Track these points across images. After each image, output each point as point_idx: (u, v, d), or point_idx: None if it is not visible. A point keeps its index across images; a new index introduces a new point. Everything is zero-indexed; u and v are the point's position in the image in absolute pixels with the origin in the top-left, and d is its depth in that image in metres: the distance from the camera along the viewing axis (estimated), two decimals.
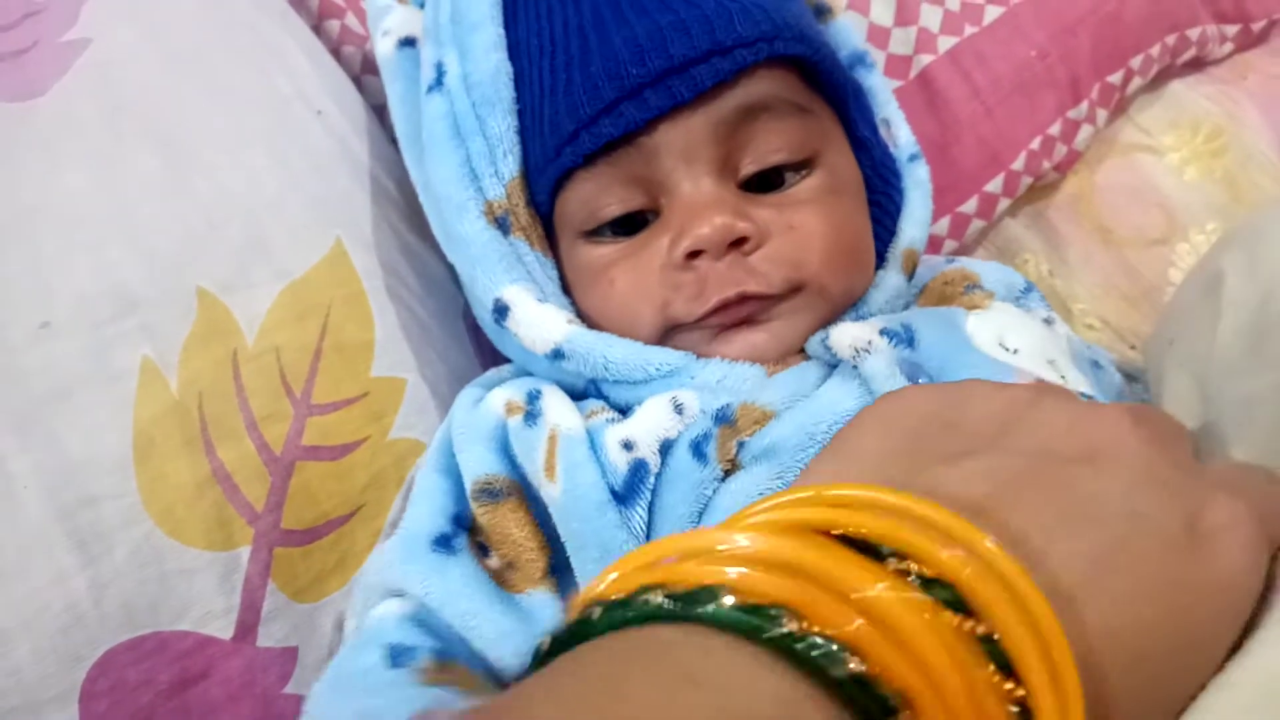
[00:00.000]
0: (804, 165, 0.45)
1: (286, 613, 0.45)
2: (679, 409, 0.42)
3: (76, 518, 0.41)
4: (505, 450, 0.44)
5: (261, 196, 0.50)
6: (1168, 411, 0.39)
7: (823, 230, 0.44)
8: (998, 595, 0.20)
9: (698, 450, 0.40)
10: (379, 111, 0.59)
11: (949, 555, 0.21)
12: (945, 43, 0.67)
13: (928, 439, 0.27)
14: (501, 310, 0.46)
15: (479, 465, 0.44)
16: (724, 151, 0.44)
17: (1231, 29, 0.72)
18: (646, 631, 0.20)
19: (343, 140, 0.56)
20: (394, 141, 0.53)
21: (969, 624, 0.20)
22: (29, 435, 0.42)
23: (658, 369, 0.44)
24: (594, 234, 0.46)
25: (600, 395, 0.46)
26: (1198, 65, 0.73)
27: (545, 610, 0.41)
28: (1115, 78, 0.68)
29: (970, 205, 0.66)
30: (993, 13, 0.68)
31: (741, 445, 0.40)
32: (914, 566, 0.21)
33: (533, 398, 0.44)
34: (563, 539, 0.42)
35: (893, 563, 0.21)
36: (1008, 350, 0.44)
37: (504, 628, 0.40)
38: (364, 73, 0.62)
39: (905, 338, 0.42)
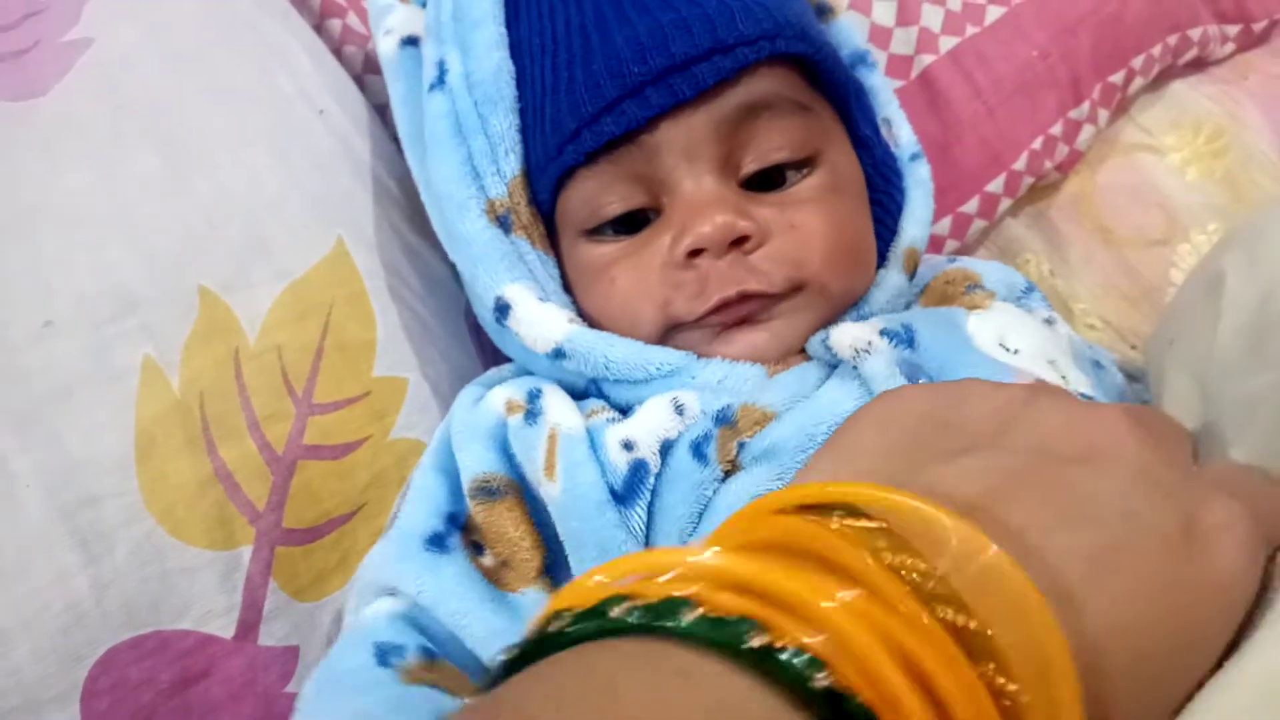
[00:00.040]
0: (805, 164, 0.45)
1: (288, 612, 0.45)
2: (679, 409, 0.42)
3: (77, 517, 0.42)
4: (504, 449, 0.44)
5: (263, 196, 0.50)
6: (1167, 412, 0.39)
7: (824, 229, 0.44)
8: (988, 597, 0.20)
9: (698, 451, 0.40)
10: (381, 111, 0.59)
11: (828, 605, 0.20)
12: (947, 43, 0.67)
13: (926, 437, 0.27)
14: (503, 309, 0.46)
15: (477, 463, 0.44)
16: (725, 150, 0.44)
17: (1233, 29, 0.72)
18: (617, 643, 0.20)
19: (344, 139, 0.56)
20: (396, 141, 0.53)
21: (973, 623, 0.20)
22: (30, 435, 0.42)
23: (658, 368, 0.44)
24: (595, 232, 0.46)
25: (601, 395, 0.46)
26: (1199, 65, 0.72)
27: (538, 610, 0.41)
28: (1117, 78, 0.68)
29: (972, 205, 0.66)
30: (994, 13, 0.68)
31: (742, 446, 0.40)
32: (909, 561, 0.21)
33: (533, 396, 0.44)
34: (561, 538, 0.42)
35: (887, 556, 0.21)
36: (1008, 350, 0.44)
37: (495, 626, 0.40)
38: (366, 72, 0.62)
39: (905, 338, 0.42)
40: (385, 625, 0.41)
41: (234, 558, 0.44)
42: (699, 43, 0.42)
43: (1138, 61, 0.68)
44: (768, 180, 0.45)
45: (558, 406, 0.44)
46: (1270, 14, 0.72)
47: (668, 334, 0.45)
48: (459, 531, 0.44)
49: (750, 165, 0.44)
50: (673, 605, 0.20)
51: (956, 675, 0.19)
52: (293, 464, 0.46)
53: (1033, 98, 0.67)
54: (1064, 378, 0.44)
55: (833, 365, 0.43)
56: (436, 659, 0.41)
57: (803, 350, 0.45)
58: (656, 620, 0.20)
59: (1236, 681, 0.23)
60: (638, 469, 0.40)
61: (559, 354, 0.45)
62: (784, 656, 0.19)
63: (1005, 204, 0.67)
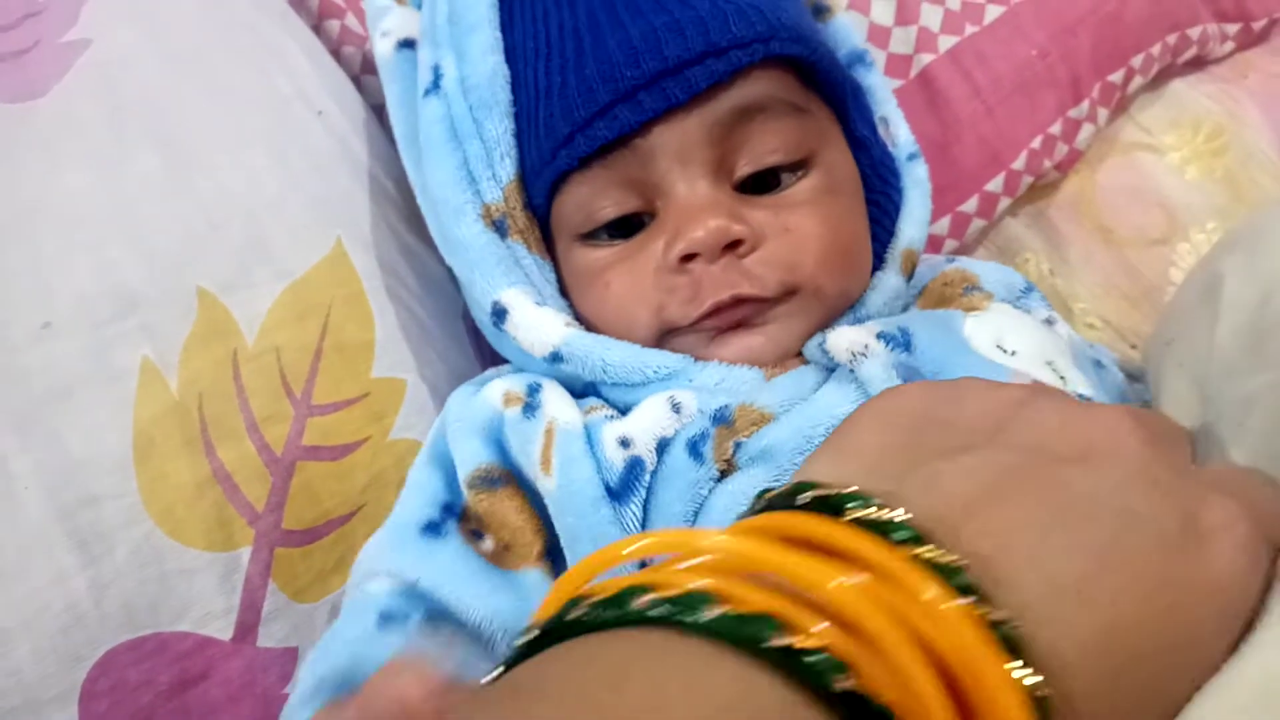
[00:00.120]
0: (800, 166, 0.45)
1: (287, 613, 0.45)
2: (676, 408, 0.42)
3: (77, 518, 0.42)
4: (499, 443, 0.44)
5: (262, 196, 0.50)
6: (1166, 413, 0.39)
7: (818, 232, 0.44)
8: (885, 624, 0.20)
9: (694, 449, 0.40)
10: (379, 111, 0.59)
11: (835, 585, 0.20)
12: (946, 42, 0.67)
13: (924, 434, 0.27)
14: (500, 313, 0.46)
15: (474, 457, 0.44)
16: (719, 153, 0.44)
17: (1232, 28, 0.72)
18: (637, 634, 0.21)
19: (343, 140, 0.56)
20: (394, 141, 0.53)
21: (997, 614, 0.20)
22: (29, 435, 0.42)
23: (656, 371, 0.44)
24: (590, 237, 0.46)
25: (599, 396, 0.46)
26: (1199, 64, 0.72)
27: (540, 588, 0.41)
28: (1116, 77, 0.68)
29: (971, 204, 0.66)
30: (993, 12, 0.68)
31: (738, 446, 0.40)
32: (928, 552, 0.21)
33: (533, 390, 0.44)
34: (557, 531, 0.42)
35: (915, 547, 0.21)
36: (1006, 352, 0.43)
37: (497, 605, 0.40)
38: (364, 73, 0.62)
39: (902, 341, 0.42)
40: (387, 598, 0.41)
41: (233, 559, 0.44)
42: (692, 46, 0.42)
43: (1137, 60, 0.68)
44: (762, 183, 0.45)
45: (556, 401, 0.44)
46: (1270, 13, 0.72)
47: (663, 338, 0.45)
48: (455, 520, 0.44)
49: (744, 168, 0.44)
50: (694, 600, 0.20)
51: (982, 670, 0.19)
52: (291, 465, 0.46)
53: (1032, 97, 0.67)
54: (1062, 378, 0.44)
55: (830, 369, 0.43)
56: (440, 626, 0.41)
57: (799, 354, 0.45)
58: (678, 614, 0.20)
59: (1235, 682, 0.23)
60: (634, 466, 0.40)
61: (556, 358, 0.45)
62: (807, 659, 0.19)
63: (1004, 203, 0.67)
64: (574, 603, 0.22)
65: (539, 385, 0.45)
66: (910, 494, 0.24)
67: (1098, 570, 0.23)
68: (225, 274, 0.48)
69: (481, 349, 0.57)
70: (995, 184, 0.66)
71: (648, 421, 0.42)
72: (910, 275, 0.49)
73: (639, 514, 0.40)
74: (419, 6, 0.52)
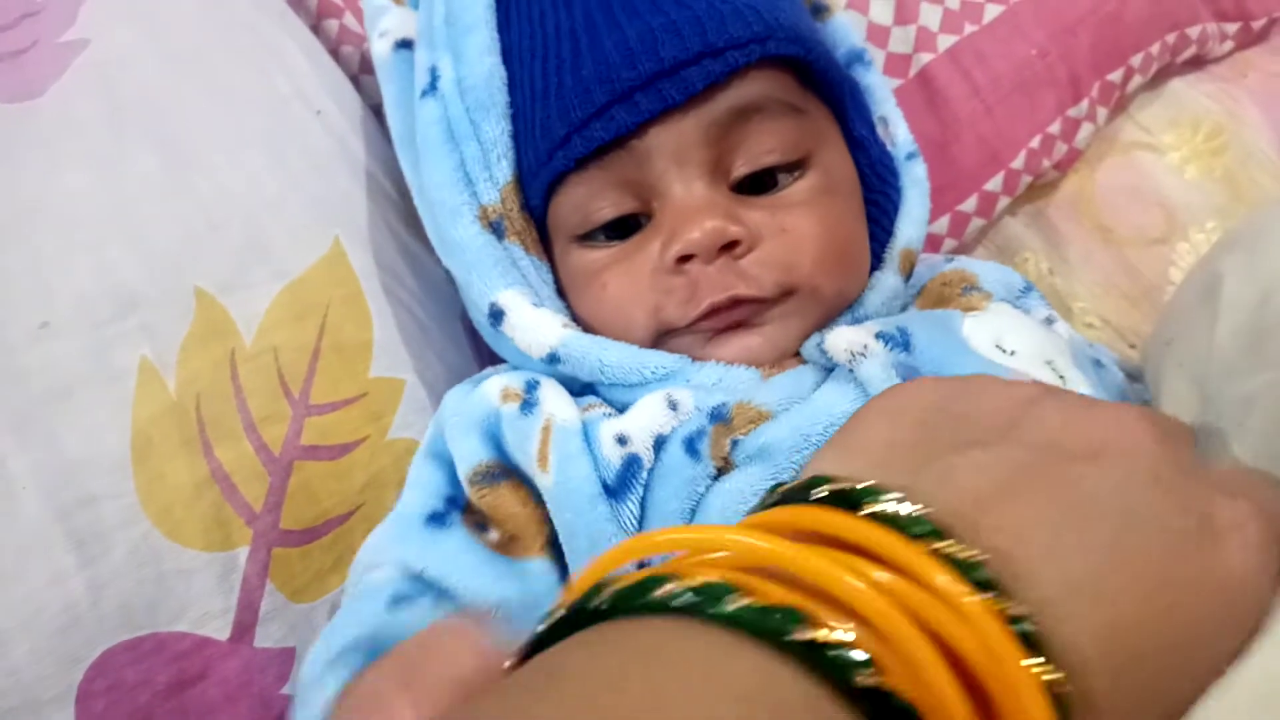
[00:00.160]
0: (797, 166, 0.45)
1: (284, 613, 0.45)
2: (674, 406, 0.42)
3: (75, 518, 0.42)
4: (496, 441, 0.44)
5: (260, 196, 0.50)
6: (1167, 413, 0.39)
7: (815, 233, 0.44)
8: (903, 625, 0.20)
9: (691, 447, 0.40)
10: (377, 111, 0.59)
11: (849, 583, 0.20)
12: (945, 41, 0.67)
13: (935, 429, 0.27)
14: (497, 315, 0.46)
15: (473, 455, 0.44)
16: (716, 154, 0.44)
17: (1232, 27, 0.72)
18: (660, 622, 0.21)
19: (341, 140, 0.56)
20: (392, 141, 0.53)
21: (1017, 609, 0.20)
22: (28, 435, 0.42)
23: (653, 372, 0.44)
24: (587, 238, 0.46)
25: (597, 396, 0.46)
26: (1198, 63, 0.72)
27: (546, 577, 0.42)
28: (1115, 76, 0.68)
29: (970, 204, 0.66)
30: (992, 11, 0.68)
31: (736, 444, 0.40)
32: (948, 547, 0.21)
33: (531, 387, 0.44)
34: (555, 526, 0.42)
35: (933, 541, 0.21)
36: (1005, 352, 0.43)
37: (503, 593, 0.40)
38: (362, 72, 0.62)
39: (901, 341, 0.42)
40: (394, 584, 0.41)
41: (230, 559, 0.44)
42: (688, 47, 0.42)
43: (1136, 60, 0.68)
44: (759, 183, 0.45)
45: (554, 398, 0.44)
46: (1269, 12, 0.72)
47: (660, 339, 0.45)
48: (459, 511, 0.44)
49: (741, 169, 0.44)
50: (717, 590, 0.20)
51: (1004, 666, 0.19)
52: (290, 465, 0.46)
53: (1031, 96, 0.66)
54: (1062, 378, 0.44)
55: (828, 369, 0.43)
56: (449, 607, 0.41)
57: (798, 354, 0.45)
58: (702, 604, 0.20)
59: (1235, 683, 0.23)
60: (631, 463, 0.40)
61: (554, 359, 0.45)
62: (831, 653, 0.19)
63: (1004, 202, 0.67)
64: (596, 589, 0.22)
65: (537, 382, 0.45)
66: (925, 489, 0.23)
67: (1108, 568, 0.23)
68: (223, 274, 0.48)
69: (479, 349, 0.57)
70: (994, 183, 0.66)
71: (645, 419, 0.42)
72: (909, 275, 0.49)
73: (636, 511, 0.40)
74: (416, 7, 0.52)
